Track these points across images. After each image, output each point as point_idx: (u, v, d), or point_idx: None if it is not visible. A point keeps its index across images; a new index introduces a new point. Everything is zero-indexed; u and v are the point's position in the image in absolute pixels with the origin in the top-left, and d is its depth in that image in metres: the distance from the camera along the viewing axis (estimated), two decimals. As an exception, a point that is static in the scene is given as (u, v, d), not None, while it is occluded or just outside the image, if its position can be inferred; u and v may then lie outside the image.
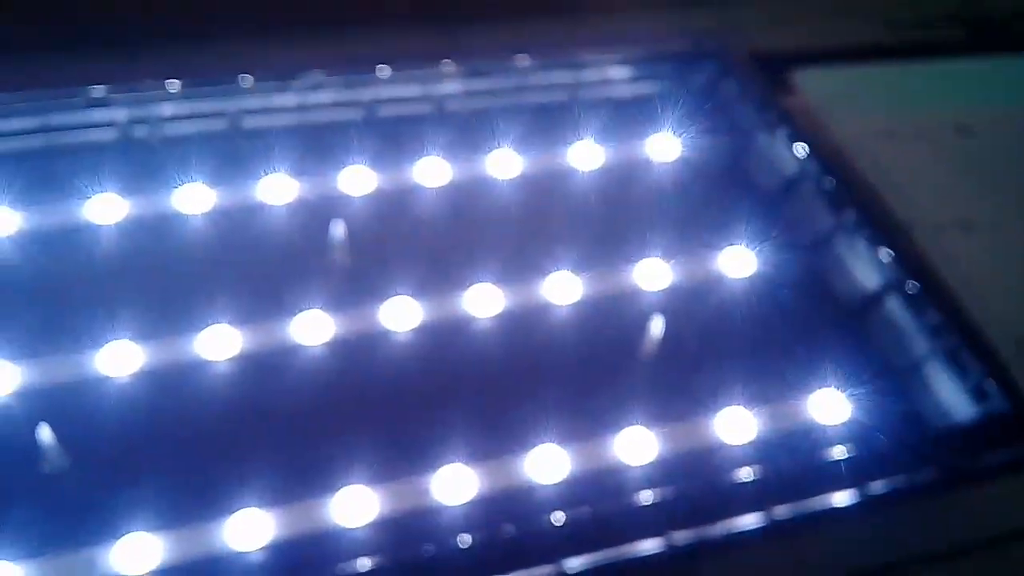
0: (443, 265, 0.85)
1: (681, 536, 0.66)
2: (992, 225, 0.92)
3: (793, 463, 0.72)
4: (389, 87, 1.00)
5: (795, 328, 0.83)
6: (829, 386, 0.77)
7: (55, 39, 0.94)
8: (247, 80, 0.95)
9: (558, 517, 0.67)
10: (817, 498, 0.70)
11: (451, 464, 0.70)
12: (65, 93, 0.92)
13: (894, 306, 0.85)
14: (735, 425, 0.74)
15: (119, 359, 0.75)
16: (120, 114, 0.93)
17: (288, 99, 0.97)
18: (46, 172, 0.87)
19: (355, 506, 0.67)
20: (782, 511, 0.68)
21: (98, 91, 0.92)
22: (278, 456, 0.71)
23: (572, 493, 0.69)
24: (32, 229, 0.83)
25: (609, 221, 0.91)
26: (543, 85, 1.04)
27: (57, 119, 0.91)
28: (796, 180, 0.95)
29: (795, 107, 1.03)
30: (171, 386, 0.75)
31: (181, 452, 0.72)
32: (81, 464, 0.71)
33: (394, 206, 0.90)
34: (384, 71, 0.99)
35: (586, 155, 0.95)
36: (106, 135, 0.93)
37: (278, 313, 0.79)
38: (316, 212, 0.88)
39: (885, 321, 0.85)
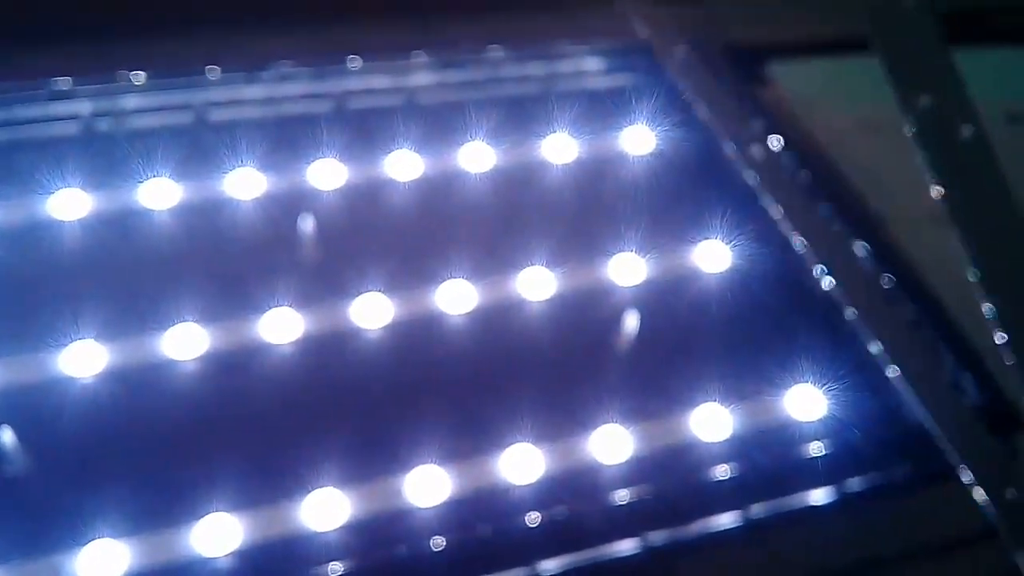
0: (415, 261, 0.84)
1: (657, 536, 0.65)
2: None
3: (769, 460, 0.72)
4: (360, 79, 0.98)
5: (771, 323, 0.83)
6: (805, 382, 0.76)
7: (17, 29, 0.91)
8: (214, 72, 0.93)
9: (533, 518, 0.66)
10: (794, 496, 0.69)
11: (424, 464, 0.68)
12: (28, 85, 0.89)
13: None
14: (711, 422, 0.73)
15: (83, 359, 0.73)
16: (84, 107, 0.90)
17: (256, 91, 0.95)
18: (8, 166, 0.85)
19: (326, 509, 0.66)
20: (758, 509, 0.68)
21: (62, 83, 0.90)
22: (247, 458, 0.70)
23: (547, 493, 0.68)
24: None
25: (583, 215, 0.90)
26: (516, 77, 1.02)
27: (19, 112, 0.89)
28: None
29: (770, 100, 1.02)
30: (137, 386, 0.73)
31: (147, 455, 0.70)
32: (44, 467, 0.69)
33: (365, 200, 0.89)
34: (355, 62, 0.97)
35: (560, 148, 0.94)
36: (70, 128, 0.91)
37: (246, 311, 0.77)
38: (285, 207, 0.87)
39: (861, 315, 0.85)
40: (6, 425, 0.70)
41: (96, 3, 0.95)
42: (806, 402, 0.75)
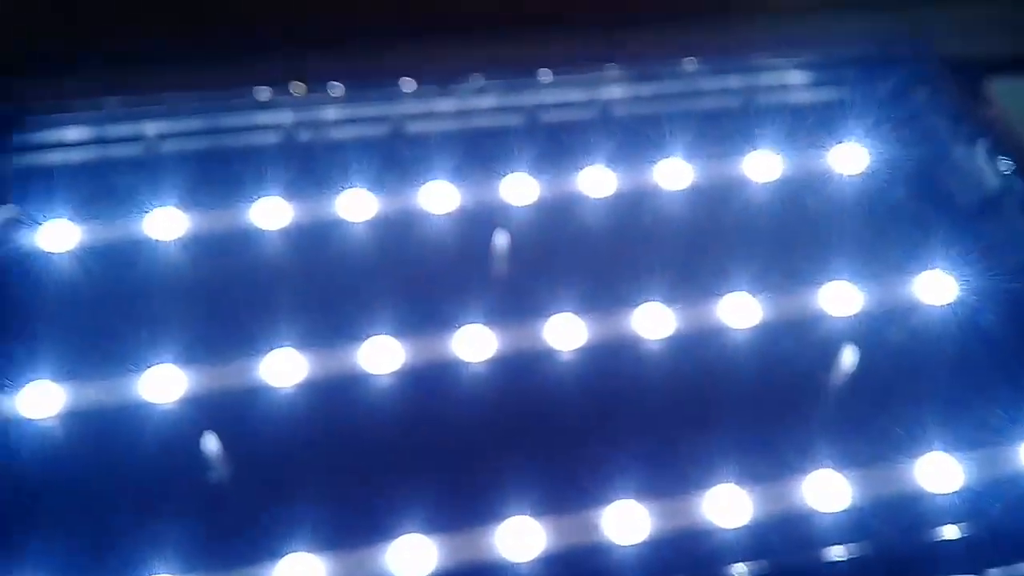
0: (609, 281, 0.81)
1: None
2: None
3: (1006, 519, 0.65)
4: (552, 92, 0.96)
5: (1002, 364, 0.75)
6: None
7: (223, 42, 0.94)
8: (409, 84, 0.93)
9: (739, 570, 0.62)
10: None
11: (620, 500, 0.65)
12: (232, 95, 0.91)
13: (1115, 342, 0.76)
14: (937, 472, 0.66)
15: (284, 367, 0.73)
16: (285, 117, 0.92)
17: (450, 104, 0.94)
18: (212, 174, 0.87)
19: (519, 538, 0.64)
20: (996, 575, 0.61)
21: (263, 94, 0.91)
22: (433, 480, 0.68)
23: (753, 541, 0.63)
24: (197, 232, 0.82)
25: (789, 238, 0.85)
26: (715, 90, 0.98)
27: (223, 121, 0.91)
28: (999, 198, 0.86)
29: (994, 118, 0.94)
30: (329, 398, 0.73)
31: (335, 469, 0.69)
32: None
33: (557, 216, 0.87)
34: (546, 75, 0.95)
35: (762, 165, 0.89)
36: (270, 138, 0.92)
37: (437, 326, 0.76)
38: (477, 221, 0.85)
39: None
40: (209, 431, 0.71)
41: (296, 18, 0.97)
42: (1044, 454, 0.68)
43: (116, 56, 0.89)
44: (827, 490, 0.65)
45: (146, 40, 0.94)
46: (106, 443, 0.69)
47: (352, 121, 0.93)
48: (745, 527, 0.64)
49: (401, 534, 0.64)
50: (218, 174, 0.86)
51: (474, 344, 0.75)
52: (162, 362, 0.72)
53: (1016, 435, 0.69)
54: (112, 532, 0.64)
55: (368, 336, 0.75)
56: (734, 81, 0.98)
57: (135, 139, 0.88)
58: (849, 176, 0.89)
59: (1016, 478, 0.67)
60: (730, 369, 0.75)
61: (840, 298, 0.78)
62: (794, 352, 0.76)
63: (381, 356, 0.74)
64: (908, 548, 0.63)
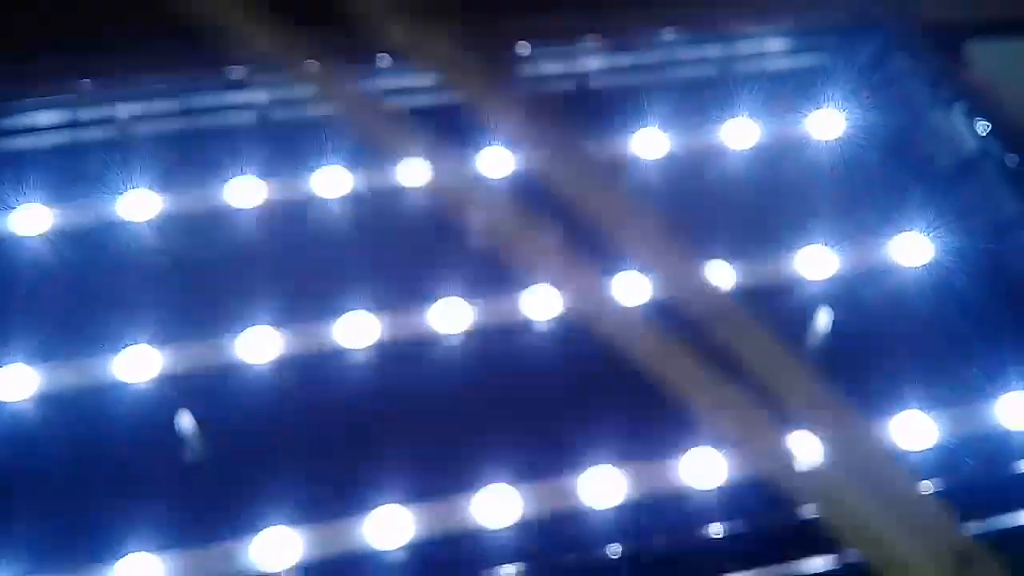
0: (587, 250, 0.80)
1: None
2: None
3: (980, 473, 0.65)
4: (529, 65, 0.95)
5: (977, 323, 0.75)
6: (1017, 389, 0.69)
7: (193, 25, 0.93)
8: (384, 59, 0.92)
9: (716, 530, 0.62)
10: (1009, 514, 0.62)
11: (600, 466, 0.65)
12: (205, 75, 0.91)
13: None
14: (912, 430, 0.67)
15: (259, 345, 0.73)
16: (259, 96, 0.91)
17: (422, 80, 0.93)
18: (186, 155, 0.86)
19: (497, 507, 0.64)
20: (969, 528, 0.61)
21: (237, 73, 0.91)
22: (410, 451, 0.68)
23: (732, 502, 0.64)
24: (171, 213, 0.82)
25: (766, 204, 0.85)
26: (692, 59, 0.97)
27: (196, 102, 0.90)
28: (976, 160, 0.86)
29: (971, 81, 0.94)
30: (308, 374, 0.73)
31: (312, 444, 0.69)
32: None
33: (534, 187, 0.86)
34: (524, 48, 0.94)
35: (740, 133, 0.89)
36: (245, 118, 0.91)
37: (414, 300, 0.76)
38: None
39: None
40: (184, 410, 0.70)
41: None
42: (1018, 411, 0.68)
43: (86, 38, 0.88)
44: (802, 451, 0.65)
45: (118, 22, 0.93)
46: (82, 424, 0.69)
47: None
48: (721, 489, 0.64)
49: (378, 505, 0.64)
50: (192, 154, 0.86)
51: (450, 317, 0.75)
52: (137, 342, 0.72)
53: (989, 393, 0.69)
54: (89, 512, 0.64)
55: (344, 311, 0.75)
56: (712, 50, 0.97)
57: (107, 121, 0.87)
58: (827, 142, 0.88)
59: (990, 434, 0.67)
60: (708, 333, 0.75)
61: (817, 262, 0.78)
62: (770, 316, 0.76)
63: (357, 331, 0.74)
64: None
